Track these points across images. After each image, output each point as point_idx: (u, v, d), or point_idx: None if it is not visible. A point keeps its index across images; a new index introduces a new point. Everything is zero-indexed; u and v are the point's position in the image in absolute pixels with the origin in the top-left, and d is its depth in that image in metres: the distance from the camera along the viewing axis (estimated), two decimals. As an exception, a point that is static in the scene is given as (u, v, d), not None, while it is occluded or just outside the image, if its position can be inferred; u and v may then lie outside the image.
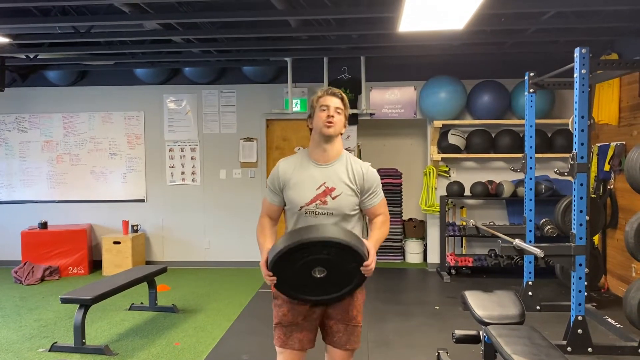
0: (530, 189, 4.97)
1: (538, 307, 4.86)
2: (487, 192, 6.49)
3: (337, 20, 5.23)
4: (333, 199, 2.25)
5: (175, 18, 4.81)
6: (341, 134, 2.34)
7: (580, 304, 3.68)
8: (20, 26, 5.04)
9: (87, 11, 4.89)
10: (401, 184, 7.46)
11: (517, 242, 3.79)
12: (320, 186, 2.26)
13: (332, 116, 2.26)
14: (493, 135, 6.64)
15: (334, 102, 2.28)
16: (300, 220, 2.28)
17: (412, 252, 7.40)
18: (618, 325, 4.23)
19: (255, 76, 6.99)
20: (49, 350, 4.11)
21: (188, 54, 6.33)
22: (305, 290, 2.18)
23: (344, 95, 2.34)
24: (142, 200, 7.30)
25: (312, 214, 2.25)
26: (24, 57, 6.22)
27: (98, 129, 7.30)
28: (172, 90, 7.23)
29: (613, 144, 5.49)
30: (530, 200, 4.97)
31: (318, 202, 2.24)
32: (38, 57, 6.24)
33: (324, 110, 2.27)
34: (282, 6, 4.48)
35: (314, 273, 2.11)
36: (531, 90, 4.90)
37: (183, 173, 7.27)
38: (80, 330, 4.01)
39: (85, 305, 4.05)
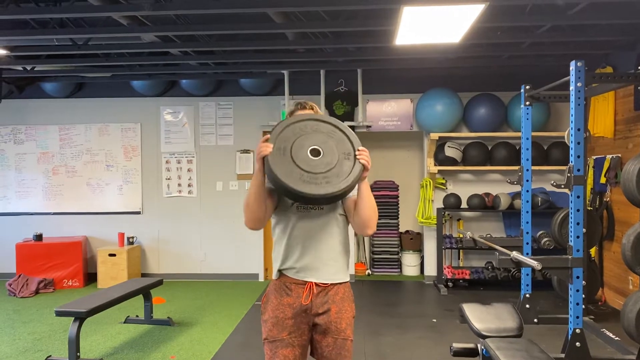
0: (527, 202, 4.97)
1: (536, 320, 4.83)
2: (484, 205, 6.51)
3: (334, 33, 5.26)
4: None
5: (172, 30, 4.84)
6: None
7: (578, 317, 3.67)
8: (18, 38, 5.04)
9: (85, 23, 4.91)
10: (398, 196, 7.46)
11: (515, 254, 3.78)
12: None
13: None
14: (489, 148, 6.66)
15: None
16: (292, 219, 2.25)
17: (409, 264, 7.37)
18: (616, 338, 4.22)
19: (252, 88, 7.02)
20: (43, 364, 4.08)
21: (185, 66, 6.35)
22: (298, 181, 2.05)
23: (314, 107, 2.38)
24: (138, 212, 7.27)
25: (303, 209, 2.24)
26: (21, 68, 6.22)
27: (94, 141, 7.29)
28: (169, 102, 7.24)
29: (609, 156, 5.51)
30: (527, 212, 4.97)
31: None
32: (35, 68, 6.25)
33: None
34: (279, 19, 4.51)
35: (309, 153, 2.10)
36: (527, 103, 4.92)
37: (179, 185, 7.25)
38: (74, 344, 3.96)
39: (80, 318, 4.01)
